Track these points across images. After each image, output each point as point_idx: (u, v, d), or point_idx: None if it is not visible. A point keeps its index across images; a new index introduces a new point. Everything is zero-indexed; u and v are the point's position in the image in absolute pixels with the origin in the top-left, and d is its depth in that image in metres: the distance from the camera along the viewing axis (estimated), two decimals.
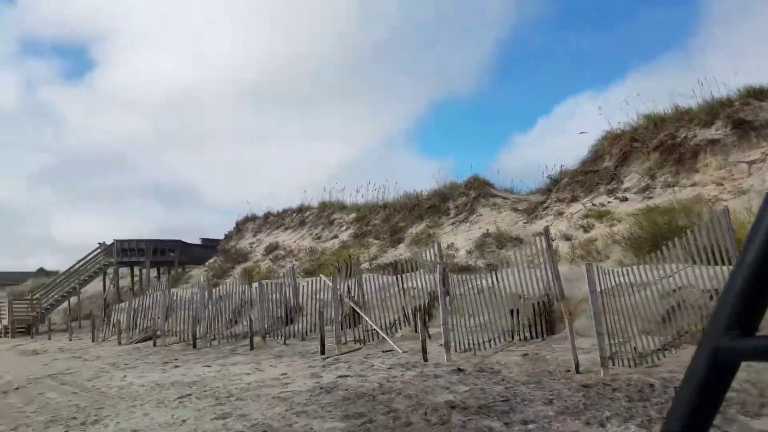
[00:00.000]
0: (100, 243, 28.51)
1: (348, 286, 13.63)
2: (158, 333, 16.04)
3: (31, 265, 60.48)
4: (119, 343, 17.11)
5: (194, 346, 14.54)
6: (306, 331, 13.77)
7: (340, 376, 8.85)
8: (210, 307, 16.13)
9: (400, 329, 12.67)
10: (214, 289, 17.26)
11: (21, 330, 25.71)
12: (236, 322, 15.82)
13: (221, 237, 33.48)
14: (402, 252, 18.74)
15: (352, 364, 10.01)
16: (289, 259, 22.86)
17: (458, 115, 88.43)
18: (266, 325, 14.18)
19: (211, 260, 28.69)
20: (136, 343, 16.81)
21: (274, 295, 15.36)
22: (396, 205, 22.48)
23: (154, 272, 32.20)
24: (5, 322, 25.81)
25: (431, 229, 19.88)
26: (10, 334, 25.05)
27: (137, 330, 17.91)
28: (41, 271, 50.48)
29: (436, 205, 21.02)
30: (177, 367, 11.63)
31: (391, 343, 11.14)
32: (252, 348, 12.96)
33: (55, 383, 10.57)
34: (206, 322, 15.53)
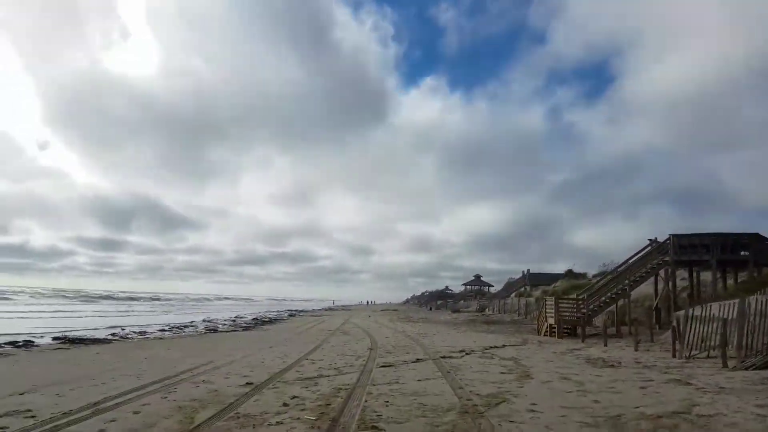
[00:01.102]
0: (650, 240, 24.17)
1: None
2: None
3: (549, 269, 63.05)
4: (724, 365, 11.52)
5: None
6: None
7: None
8: None
9: None
10: None
11: (566, 331, 23.76)
12: None
13: None
14: None
15: None
16: None
17: None
18: None
19: None
20: (756, 369, 10.81)
21: None
22: None
23: (710, 274, 25.42)
24: (551, 320, 24.31)
25: None
26: (556, 334, 23.33)
27: (745, 350, 11.89)
28: (570, 273, 50.84)
29: None
30: None
31: None
32: None
33: None
34: None
